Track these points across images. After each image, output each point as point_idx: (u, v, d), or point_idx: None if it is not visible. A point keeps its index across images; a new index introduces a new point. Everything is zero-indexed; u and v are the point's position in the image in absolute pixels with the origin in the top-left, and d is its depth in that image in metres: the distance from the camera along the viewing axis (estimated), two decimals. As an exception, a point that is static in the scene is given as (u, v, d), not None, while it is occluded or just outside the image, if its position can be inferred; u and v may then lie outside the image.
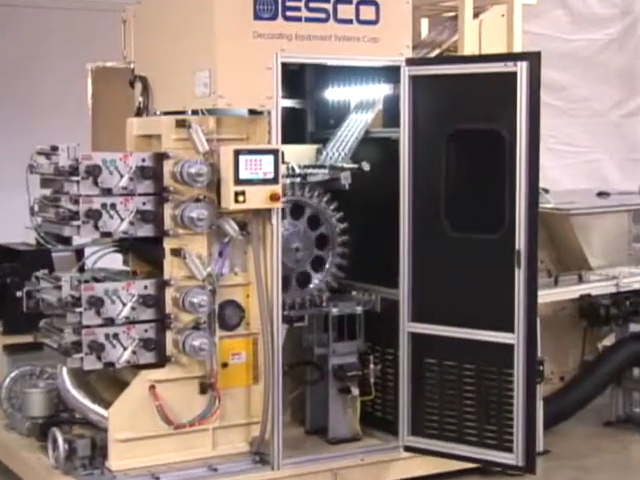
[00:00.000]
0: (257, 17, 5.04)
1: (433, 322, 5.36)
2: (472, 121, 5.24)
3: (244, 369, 5.24)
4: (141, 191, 4.98)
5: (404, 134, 5.38)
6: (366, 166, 5.55)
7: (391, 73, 5.47)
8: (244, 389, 5.26)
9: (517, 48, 5.76)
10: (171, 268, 5.05)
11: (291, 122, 5.74)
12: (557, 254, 6.88)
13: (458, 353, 5.33)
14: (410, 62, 5.37)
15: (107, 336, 4.93)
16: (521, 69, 5.03)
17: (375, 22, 5.30)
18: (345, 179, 5.49)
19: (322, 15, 5.19)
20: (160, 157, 5.01)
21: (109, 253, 5.42)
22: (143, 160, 4.99)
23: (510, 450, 5.19)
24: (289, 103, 5.93)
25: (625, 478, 5.94)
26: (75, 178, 4.86)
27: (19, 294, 5.35)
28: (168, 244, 5.05)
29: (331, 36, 5.22)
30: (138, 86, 5.48)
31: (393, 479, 5.48)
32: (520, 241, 5.08)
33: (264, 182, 5.00)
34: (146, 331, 5.02)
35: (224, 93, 4.97)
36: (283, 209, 5.21)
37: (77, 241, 5.55)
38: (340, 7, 5.22)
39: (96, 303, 4.89)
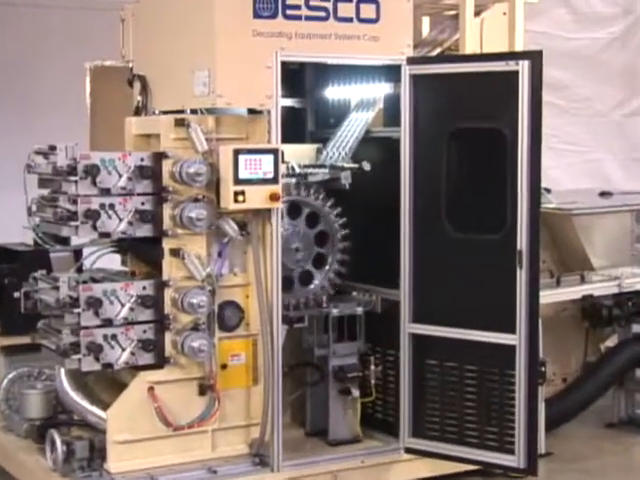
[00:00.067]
0: (257, 15, 5.03)
1: (434, 323, 5.35)
2: (473, 120, 5.22)
3: (244, 370, 5.22)
4: (140, 191, 4.96)
5: (405, 133, 5.37)
6: (367, 166, 5.54)
7: (392, 72, 5.46)
8: (244, 390, 5.24)
9: (519, 47, 5.74)
10: (170, 268, 5.04)
11: (291, 121, 5.73)
12: (559, 254, 6.87)
13: (459, 354, 5.31)
14: (411, 61, 5.35)
15: (105, 337, 4.91)
16: (523, 68, 5.01)
17: (375, 20, 5.29)
18: (345, 179, 5.48)
19: (322, 13, 5.18)
20: (159, 157, 5.00)
21: (107, 253, 5.40)
22: (142, 160, 4.97)
23: (512, 452, 5.17)
24: (289, 102, 5.92)
25: (627, 480, 5.95)
26: (73, 178, 4.84)
27: (17, 295, 5.36)
28: (167, 244, 5.03)
29: (331, 35, 5.20)
30: (137, 85, 5.46)
31: (394, 481, 5.47)
32: (522, 241, 5.06)
33: (264, 182, 4.99)
34: (145, 332, 5.00)
35: (223, 92, 4.96)
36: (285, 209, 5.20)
37: (75, 241, 5.54)
38: (340, 5, 5.21)
39: (94, 304, 4.87)
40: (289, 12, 5.09)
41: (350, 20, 5.23)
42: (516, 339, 5.10)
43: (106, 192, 4.88)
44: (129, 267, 5.42)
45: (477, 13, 5.75)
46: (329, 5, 5.18)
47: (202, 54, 5.01)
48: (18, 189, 5.15)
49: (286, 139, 5.18)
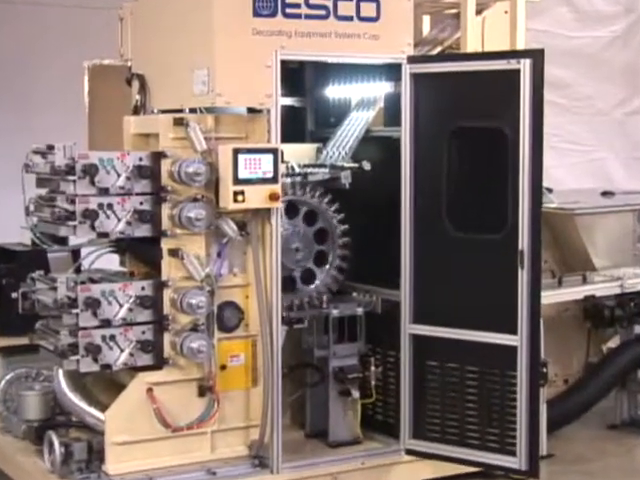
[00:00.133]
0: (256, 14, 5.01)
1: (435, 324, 5.33)
2: (474, 119, 5.21)
3: (243, 371, 5.20)
4: (138, 191, 4.95)
5: (405, 133, 5.35)
6: (367, 165, 5.52)
7: (392, 71, 5.44)
8: (243, 392, 5.22)
9: (520, 45, 5.73)
10: (169, 269, 5.02)
11: (291, 120, 5.71)
12: (561, 254, 6.85)
13: (460, 355, 5.29)
14: (411, 60, 5.34)
15: (104, 338, 4.89)
16: (524, 67, 4.99)
17: (376, 19, 5.27)
18: (345, 178, 5.46)
19: (322, 12, 5.16)
20: (158, 156, 4.98)
21: (106, 254, 5.39)
22: (140, 159, 4.96)
23: (513, 454, 5.15)
24: (289, 101, 5.90)
25: (630, 482, 5.94)
26: (71, 177, 4.83)
27: (14, 295, 5.34)
28: (166, 244, 5.01)
29: (331, 33, 5.18)
30: (135, 84, 5.44)
31: (394, 483, 5.45)
32: (523, 241, 5.04)
33: (263, 181, 4.97)
34: (143, 333, 4.98)
35: (223, 91, 4.94)
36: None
37: (73, 241, 5.54)
38: (340, 4, 5.18)
39: (93, 304, 4.86)
40: (289, 10, 5.07)
41: (350, 19, 5.21)
42: (517, 340, 5.08)
43: (104, 192, 4.86)
44: (128, 267, 5.40)
45: (478, 11, 5.73)
46: (329, 3, 5.16)
47: (201, 53, 4.99)
48: (16, 188, 5.14)
49: (286, 138, 5.16)
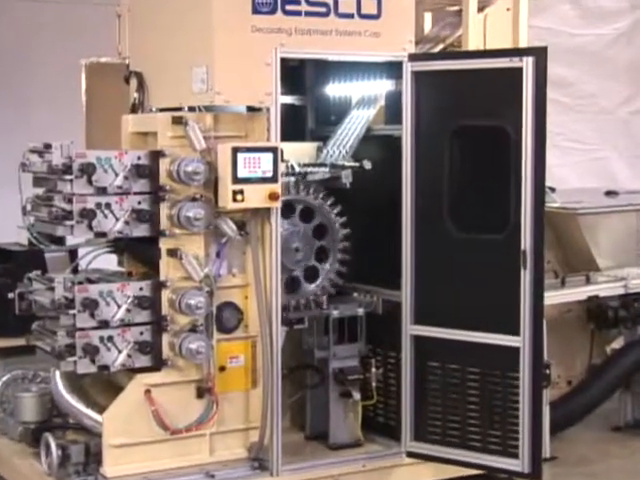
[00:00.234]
0: (256, 11, 4.98)
1: (436, 324, 5.30)
2: (476, 118, 5.19)
3: (242, 373, 5.18)
4: (136, 190, 4.92)
5: (406, 131, 5.33)
6: (367, 164, 5.49)
7: (393, 69, 5.42)
8: (242, 393, 5.20)
9: (523, 43, 5.70)
10: (167, 269, 4.99)
11: (291, 119, 5.68)
12: (564, 255, 6.86)
13: (462, 356, 5.27)
14: (413, 57, 5.31)
15: (101, 339, 4.87)
16: (527, 65, 4.96)
17: (377, 16, 5.25)
18: (346, 178, 5.44)
19: (322, 9, 5.13)
20: (156, 155, 4.95)
21: (104, 254, 5.36)
22: (138, 158, 4.93)
23: (515, 456, 5.13)
24: (289, 99, 5.87)
25: (634, 484, 5.94)
26: (69, 177, 4.80)
27: (11, 296, 5.28)
28: (164, 244, 4.98)
29: (332, 31, 5.16)
30: (133, 82, 5.41)
31: (395, 485, 5.44)
32: (526, 241, 5.01)
33: (263, 181, 4.95)
34: (142, 334, 4.96)
35: (222, 89, 4.91)
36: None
37: (71, 241, 5.50)
38: (341, 1, 5.16)
39: (90, 305, 4.83)
40: (289, 8, 5.04)
41: (351, 16, 5.19)
42: (520, 341, 5.05)
43: (102, 191, 4.84)
44: (126, 268, 5.38)
45: (480, 9, 5.70)
46: (329, 0, 5.13)
47: (200, 50, 4.97)
48: (12, 188, 5.11)
49: (286, 137, 5.14)
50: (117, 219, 4.86)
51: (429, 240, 5.31)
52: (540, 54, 4.97)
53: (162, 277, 4.98)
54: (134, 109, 5.37)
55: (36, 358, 5.61)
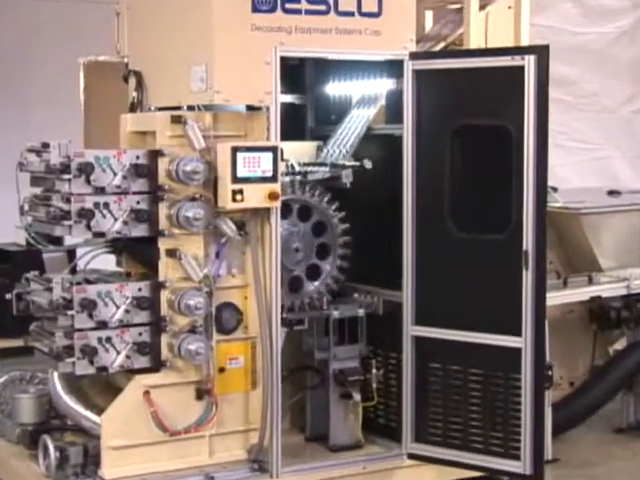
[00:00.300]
0: (255, 9, 4.96)
1: (437, 325, 5.29)
2: (478, 117, 5.17)
3: (242, 374, 5.17)
4: (135, 190, 4.90)
5: (407, 130, 5.31)
6: (368, 164, 5.47)
7: (394, 67, 5.41)
8: (242, 395, 5.18)
9: (525, 41, 5.69)
10: (166, 269, 4.97)
11: (290, 118, 5.67)
12: (566, 255, 6.86)
13: (463, 357, 5.26)
14: (414, 56, 5.30)
15: (100, 340, 4.85)
16: (529, 63, 4.95)
17: (378, 14, 5.23)
18: (346, 177, 5.42)
19: (322, 7, 5.12)
20: (155, 154, 4.93)
21: (102, 254, 5.34)
22: (137, 157, 4.91)
23: (517, 458, 5.11)
24: (288, 98, 5.86)
25: (636, 486, 5.94)
26: (67, 176, 4.78)
27: (8, 296, 5.32)
28: (163, 244, 4.96)
29: (332, 29, 5.14)
30: (132, 81, 5.40)
31: (396, 488, 5.43)
32: (528, 241, 4.99)
33: (263, 180, 4.93)
34: (140, 334, 4.94)
35: (221, 88, 4.89)
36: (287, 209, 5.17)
37: (69, 241, 5.49)
38: (341, -1, 5.16)
39: (88, 306, 4.81)
40: (288, 6, 5.02)
41: (351, 14, 5.17)
42: (522, 342, 5.04)
43: (100, 191, 4.82)
44: (124, 268, 5.36)
45: (482, 7, 5.69)
46: (330, -1, 5.13)
47: (199, 49, 4.95)
48: (10, 187, 5.09)
49: (286, 136, 5.13)
50: (115, 219, 4.84)
51: (430, 240, 5.29)
52: (542, 52, 4.95)
53: (161, 277, 4.96)
54: (133, 108, 5.36)
55: (34, 359, 5.58)
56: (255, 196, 4.91)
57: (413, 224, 5.31)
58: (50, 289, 4.89)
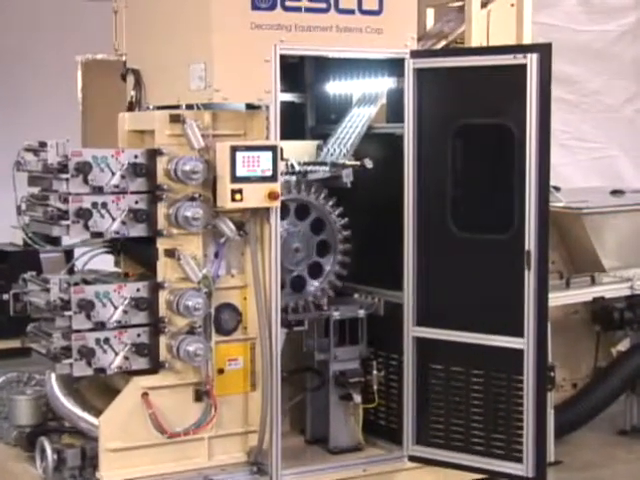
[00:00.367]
0: (255, 7, 4.95)
1: (439, 326, 5.28)
2: (480, 116, 5.16)
3: (241, 375, 5.15)
4: (133, 189, 4.88)
5: (408, 129, 5.29)
6: (369, 163, 5.45)
7: (395, 66, 5.39)
8: (241, 396, 5.16)
9: (527, 40, 5.66)
10: (165, 270, 4.95)
11: (290, 117, 5.64)
12: (569, 255, 6.83)
13: (465, 359, 5.25)
14: (415, 54, 5.28)
15: (98, 341, 4.83)
16: (531, 61, 4.93)
17: (378, 12, 5.21)
18: (347, 177, 5.40)
19: (323, 5, 5.10)
20: (153, 154, 4.91)
21: (100, 254, 5.32)
22: (135, 157, 4.89)
23: (519, 460, 5.09)
24: (288, 97, 5.85)
25: (640, 489, 5.95)
26: (64, 176, 4.76)
27: (6, 297, 5.27)
28: (162, 244, 4.95)
29: (332, 27, 5.12)
30: (130, 79, 5.39)
31: (397, 490, 5.42)
32: (530, 241, 4.98)
33: (262, 180, 4.91)
34: (139, 336, 4.92)
35: (220, 87, 4.87)
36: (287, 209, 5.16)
37: (66, 241, 5.45)
38: (341, -4, 5.14)
39: (86, 306, 4.79)
40: (288, 3, 5.01)
41: (352, 12, 5.16)
42: (524, 343, 5.02)
43: (98, 190, 4.80)
44: (122, 268, 5.34)
45: (484, 4, 5.67)
46: (330, -4, 5.12)
47: (198, 47, 4.94)
48: (7, 186, 5.07)
49: (285, 135, 5.11)
50: (114, 219, 4.82)
51: (431, 240, 5.28)
52: (545, 51, 4.94)
53: (159, 278, 4.94)
54: (131, 107, 5.34)
55: (31, 360, 5.64)
56: (254, 196, 4.90)
57: (414, 224, 5.29)
58: (47, 290, 4.86)
